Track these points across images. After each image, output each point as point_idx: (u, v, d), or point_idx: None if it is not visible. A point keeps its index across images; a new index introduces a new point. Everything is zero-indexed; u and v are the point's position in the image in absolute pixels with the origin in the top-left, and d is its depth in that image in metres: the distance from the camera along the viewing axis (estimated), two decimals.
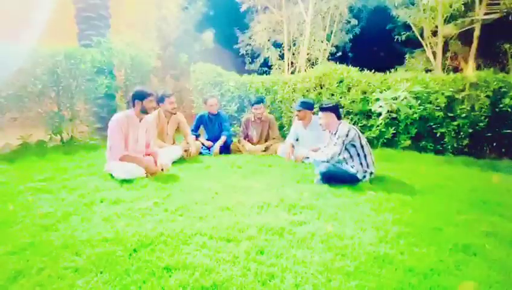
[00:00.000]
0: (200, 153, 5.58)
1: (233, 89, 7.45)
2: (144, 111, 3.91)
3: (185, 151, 5.18)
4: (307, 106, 5.19)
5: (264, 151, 5.75)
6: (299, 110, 5.15)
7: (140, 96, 3.89)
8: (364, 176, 3.78)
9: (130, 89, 6.78)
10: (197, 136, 5.96)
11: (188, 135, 5.34)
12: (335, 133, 3.85)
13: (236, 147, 5.94)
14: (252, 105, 5.88)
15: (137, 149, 3.99)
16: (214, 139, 5.93)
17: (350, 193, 3.41)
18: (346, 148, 3.76)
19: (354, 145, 3.75)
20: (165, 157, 4.22)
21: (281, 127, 6.98)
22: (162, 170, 3.99)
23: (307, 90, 6.78)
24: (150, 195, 3.21)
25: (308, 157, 4.62)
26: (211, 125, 5.96)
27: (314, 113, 5.46)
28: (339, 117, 3.90)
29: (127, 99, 5.04)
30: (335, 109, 3.88)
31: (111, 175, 3.82)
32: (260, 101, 5.83)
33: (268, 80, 7.33)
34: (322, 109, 3.88)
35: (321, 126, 3.93)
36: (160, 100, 5.04)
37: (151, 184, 3.53)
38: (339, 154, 3.71)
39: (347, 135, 3.69)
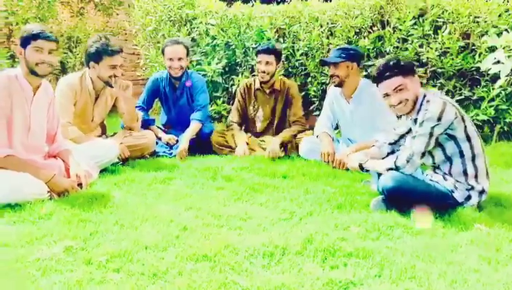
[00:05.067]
0: (155, 153, 4.03)
1: (215, 30, 5.30)
2: (34, 71, 2.91)
3: (126, 149, 3.73)
4: (350, 55, 3.60)
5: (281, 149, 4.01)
6: (334, 65, 3.58)
7: (24, 39, 2.92)
8: (468, 197, 2.86)
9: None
10: (150, 123, 4.18)
11: (134, 120, 3.78)
12: (415, 119, 2.85)
13: (222, 140, 4.10)
14: (257, 54, 3.98)
15: (29, 144, 3.20)
16: (178, 124, 4.17)
17: (440, 228, 2.67)
18: (438, 144, 2.81)
19: (453, 137, 2.80)
20: (87, 160, 3.40)
21: (305, 104, 4.92)
22: (80, 185, 3.20)
23: (357, 33, 4.89)
24: (57, 233, 2.46)
25: (362, 168, 3.12)
26: (173, 99, 4.17)
27: (366, 76, 4.05)
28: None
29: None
30: (405, 69, 2.74)
31: None
32: (271, 49, 3.93)
33: (282, 13, 5.18)
34: (382, 73, 2.73)
35: (391, 108, 2.84)
36: (93, 58, 3.44)
37: (58, 213, 2.80)
38: (423, 154, 2.78)
39: (440, 118, 2.70)
